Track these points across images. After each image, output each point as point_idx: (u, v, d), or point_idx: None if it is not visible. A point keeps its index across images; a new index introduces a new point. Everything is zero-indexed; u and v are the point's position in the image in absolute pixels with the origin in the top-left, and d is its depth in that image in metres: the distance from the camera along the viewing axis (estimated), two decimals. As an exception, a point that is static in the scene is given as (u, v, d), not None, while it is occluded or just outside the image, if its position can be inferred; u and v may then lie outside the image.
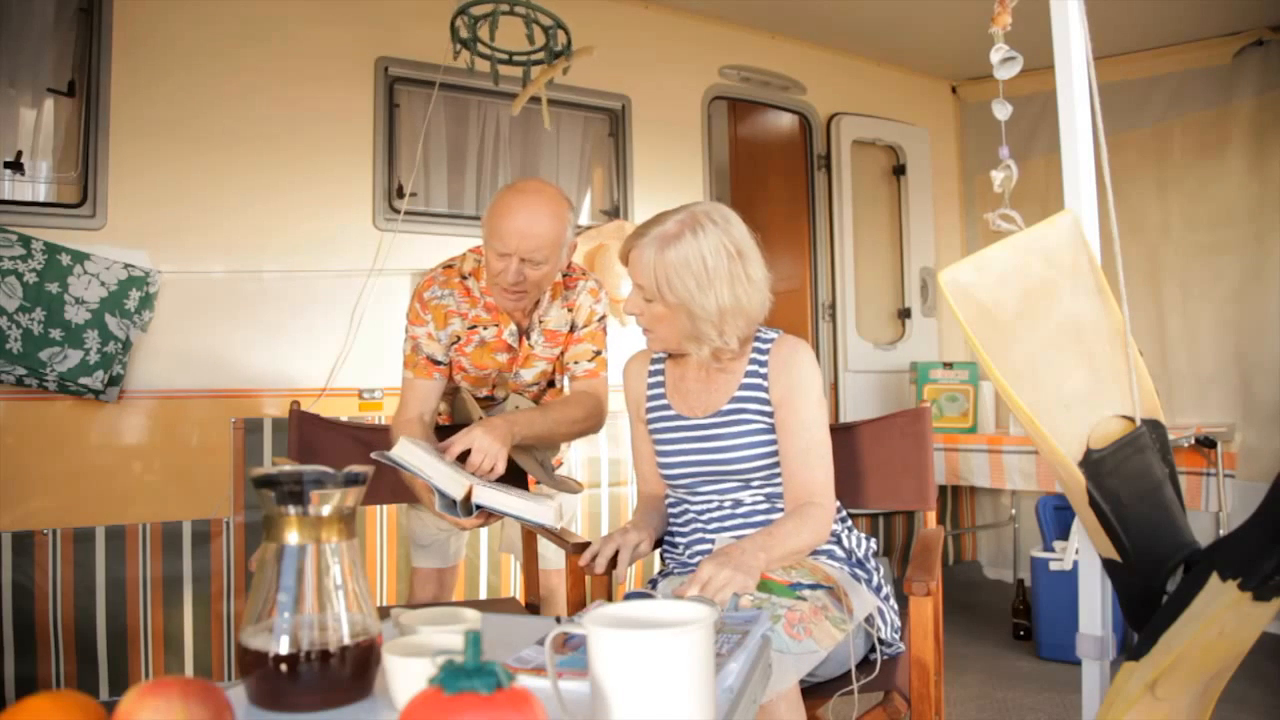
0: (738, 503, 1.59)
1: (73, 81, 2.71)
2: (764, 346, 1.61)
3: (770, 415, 1.58)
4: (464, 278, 1.95)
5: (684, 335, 1.54)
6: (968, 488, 4.43)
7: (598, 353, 2.01)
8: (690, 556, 1.61)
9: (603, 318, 2.03)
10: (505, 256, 1.78)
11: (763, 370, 1.59)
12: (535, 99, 2.89)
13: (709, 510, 1.60)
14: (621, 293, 3.39)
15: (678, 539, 1.66)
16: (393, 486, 2.15)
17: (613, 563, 1.57)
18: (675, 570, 1.64)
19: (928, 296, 4.39)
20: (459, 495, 1.63)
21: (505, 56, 2.74)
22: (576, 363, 2.00)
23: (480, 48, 2.72)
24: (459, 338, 1.96)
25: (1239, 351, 3.60)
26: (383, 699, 0.86)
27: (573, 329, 2.01)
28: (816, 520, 1.51)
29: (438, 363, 1.95)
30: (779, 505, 1.59)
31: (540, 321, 1.98)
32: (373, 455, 1.61)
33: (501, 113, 3.38)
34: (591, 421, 1.97)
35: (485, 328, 1.96)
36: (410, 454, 1.64)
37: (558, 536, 1.92)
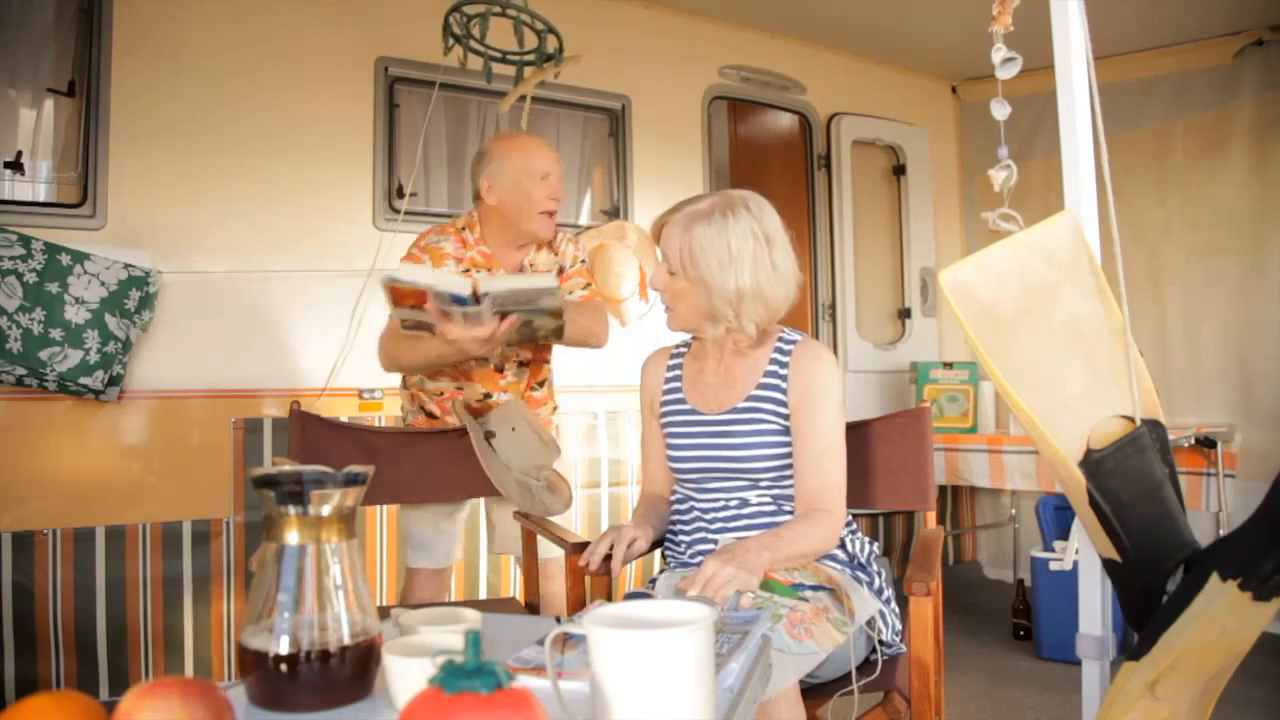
0: (744, 502, 1.59)
1: (73, 81, 2.71)
2: (786, 347, 1.61)
3: (785, 417, 1.57)
4: (460, 230, 2.18)
5: (701, 313, 1.55)
6: (968, 488, 4.42)
7: (588, 284, 2.23)
8: (692, 556, 1.61)
9: (584, 260, 2.27)
10: (548, 177, 2.10)
11: (783, 371, 1.59)
12: (532, 98, 2.89)
13: (715, 509, 1.60)
14: (621, 292, 3.39)
15: (680, 537, 1.65)
16: (393, 487, 2.15)
17: (610, 561, 1.56)
18: (676, 569, 1.63)
19: (928, 296, 4.39)
20: (467, 290, 1.70)
21: (499, 55, 2.74)
22: (571, 292, 2.18)
23: (473, 44, 2.72)
24: None
25: (1239, 352, 3.60)
26: (383, 699, 0.86)
27: (561, 271, 2.21)
28: (825, 527, 1.51)
29: None
30: (786, 507, 1.58)
31: (531, 265, 2.19)
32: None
33: (501, 113, 3.39)
34: (600, 317, 2.16)
35: (478, 270, 2.13)
36: (411, 272, 1.76)
37: (559, 537, 1.92)
